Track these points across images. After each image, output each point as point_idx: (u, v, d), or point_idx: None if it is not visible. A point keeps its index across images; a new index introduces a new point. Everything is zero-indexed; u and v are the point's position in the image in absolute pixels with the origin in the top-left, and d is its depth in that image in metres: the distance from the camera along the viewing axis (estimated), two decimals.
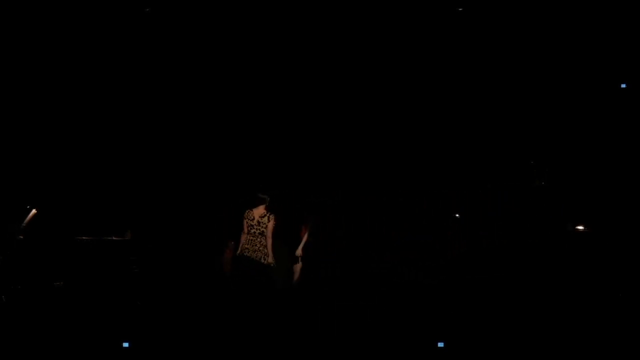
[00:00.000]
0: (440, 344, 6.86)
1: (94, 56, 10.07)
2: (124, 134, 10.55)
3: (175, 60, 10.33)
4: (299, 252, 9.85)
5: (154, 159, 10.72)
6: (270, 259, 8.10)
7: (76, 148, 10.41)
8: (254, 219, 8.11)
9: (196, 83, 10.55)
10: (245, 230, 8.16)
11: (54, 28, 9.71)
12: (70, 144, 10.39)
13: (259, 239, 8.06)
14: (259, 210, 8.13)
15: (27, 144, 10.13)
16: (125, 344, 6.81)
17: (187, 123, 10.75)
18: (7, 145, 9.99)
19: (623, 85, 9.70)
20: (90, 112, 10.38)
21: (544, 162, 10.35)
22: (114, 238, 9.34)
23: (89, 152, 10.45)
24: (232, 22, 10.02)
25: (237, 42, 10.25)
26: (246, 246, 8.14)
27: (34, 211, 9.11)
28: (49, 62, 9.97)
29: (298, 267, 9.88)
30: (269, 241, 8.08)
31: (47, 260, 8.90)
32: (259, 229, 8.06)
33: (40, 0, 9.50)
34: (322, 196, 11.18)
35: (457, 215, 10.98)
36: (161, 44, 10.18)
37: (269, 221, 8.07)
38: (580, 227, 9.63)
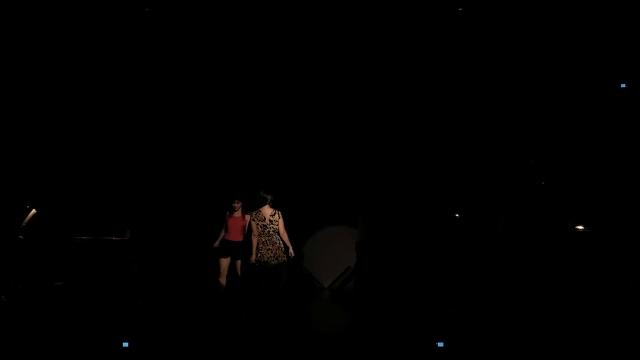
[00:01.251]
0: (440, 344, 6.86)
1: (94, 56, 10.06)
2: (124, 134, 10.55)
3: (175, 60, 10.32)
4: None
5: (153, 159, 10.72)
6: (291, 251, 8.16)
7: (76, 148, 10.41)
8: (265, 219, 8.11)
9: (195, 83, 10.54)
10: (257, 232, 8.13)
11: (54, 28, 9.70)
12: (69, 144, 10.38)
13: (275, 237, 8.09)
14: (267, 210, 8.14)
15: (27, 143, 10.12)
16: (125, 344, 6.80)
17: (187, 124, 10.75)
18: (7, 145, 9.99)
19: (623, 85, 9.69)
20: (90, 112, 10.37)
21: (544, 162, 10.35)
22: (113, 238, 9.34)
23: (89, 152, 10.45)
24: (234, 24, 10.01)
25: (238, 43, 10.24)
26: (266, 248, 8.07)
27: (33, 211, 9.11)
28: (49, 62, 9.97)
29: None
30: (285, 235, 8.13)
31: (47, 260, 8.90)
32: (272, 227, 8.09)
33: (40, 0, 9.49)
34: (323, 195, 11.20)
35: (457, 215, 10.99)
36: (161, 44, 10.17)
37: (279, 217, 8.12)
38: (580, 227, 9.63)
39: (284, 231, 8.14)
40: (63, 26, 9.71)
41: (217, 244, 9.29)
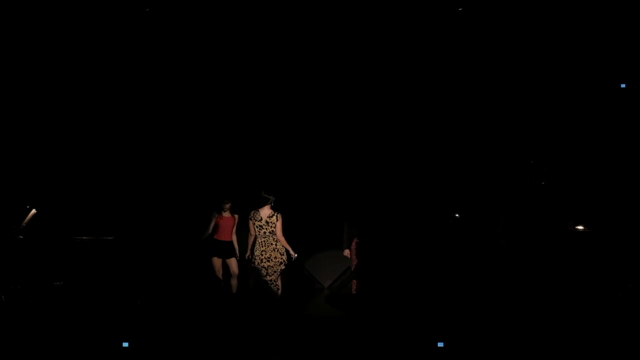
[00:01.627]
0: (440, 344, 6.86)
1: (94, 56, 10.06)
2: (124, 134, 10.55)
3: (173, 61, 10.32)
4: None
5: (152, 160, 10.73)
6: (292, 252, 8.09)
7: (75, 148, 10.41)
8: (261, 219, 8.03)
9: (194, 84, 10.54)
10: (254, 232, 8.09)
11: (53, 28, 9.70)
12: (69, 144, 10.38)
13: (271, 239, 8.02)
14: (265, 211, 8.05)
15: (27, 143, 10.13)
16: (125, 344, 6.81)
17: (188, 124, 10.76)
18: (7, 145, 9.99)
19: (623, 85, 9.70)
20: (90, 113, 10.38)
21: (544, 162, 10.35)
22: (112, 238, 9.35)
23: (88, 152, 10.45)
24: (232, 25, 10.01)
25: (237, 45, 10.24)
26: (261, 249, 8.04)
27: (33, 211, 9.11)
28: (49, 62, 9.97)
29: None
30: (283, 239, 8.05)
31: (47, 260, 8.90)
32: (269, 229, 8.00)
33: (40, 0, 9.49)
34: (324, 195, 11.20)
35: (457, 215, 11.00)
36: (160, 44, 10.18)
37: (277, 220, 8.03)
38: (580, 227, 9.64)
39: (281, 234, 8.00)
40: (63, 26, 9.71)
41: (205, 235, 9.38)
